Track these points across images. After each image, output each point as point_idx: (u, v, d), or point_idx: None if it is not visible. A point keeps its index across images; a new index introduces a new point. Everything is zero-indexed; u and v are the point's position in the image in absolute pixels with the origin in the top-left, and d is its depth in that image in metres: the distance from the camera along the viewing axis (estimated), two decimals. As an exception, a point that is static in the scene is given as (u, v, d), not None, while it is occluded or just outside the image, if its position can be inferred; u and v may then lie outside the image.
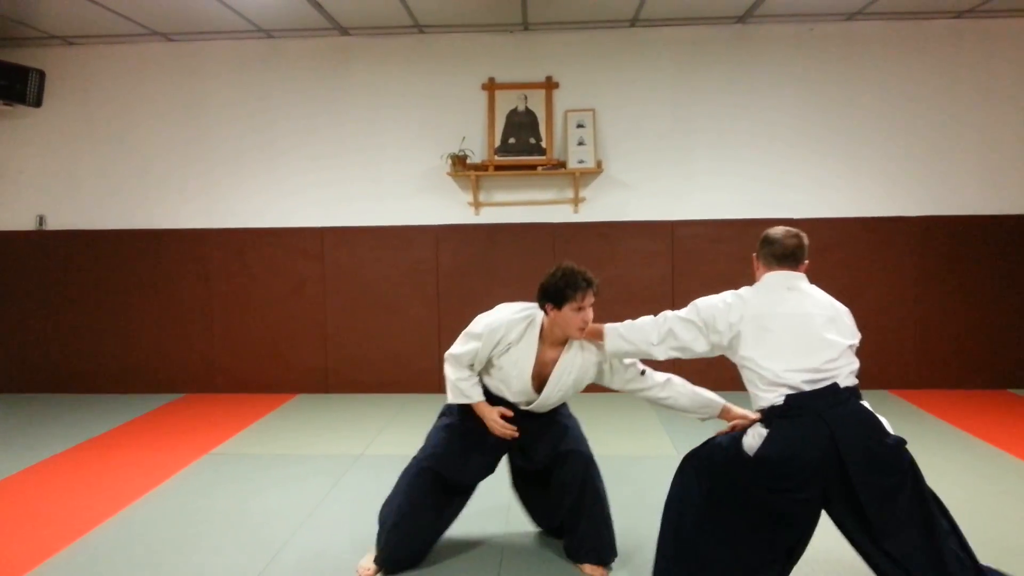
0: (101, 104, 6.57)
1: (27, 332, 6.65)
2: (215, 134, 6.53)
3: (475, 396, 3.05)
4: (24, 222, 6.64)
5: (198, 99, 6.53)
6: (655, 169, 6.35)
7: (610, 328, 2.90)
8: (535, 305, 3.03)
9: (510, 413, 3.05)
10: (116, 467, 4.58)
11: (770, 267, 2.74)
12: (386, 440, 5.12)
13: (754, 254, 2.81)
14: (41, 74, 6.36)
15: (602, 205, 6.38)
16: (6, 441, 5.23)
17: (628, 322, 2.88)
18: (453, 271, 6.43)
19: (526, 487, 3.40)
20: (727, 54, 6.29)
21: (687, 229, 6.34)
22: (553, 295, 2.92)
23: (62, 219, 6.63)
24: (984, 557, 3.13)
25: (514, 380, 3.02)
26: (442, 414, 3.26)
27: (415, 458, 3.17)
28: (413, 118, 6.42)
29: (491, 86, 6.34)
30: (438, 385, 6.34)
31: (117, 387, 6.60)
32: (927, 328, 6.28)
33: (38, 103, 6.38)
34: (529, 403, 3.08)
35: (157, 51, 6.52)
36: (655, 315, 2.82)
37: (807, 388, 2.50)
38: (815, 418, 2.46)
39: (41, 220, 6.62)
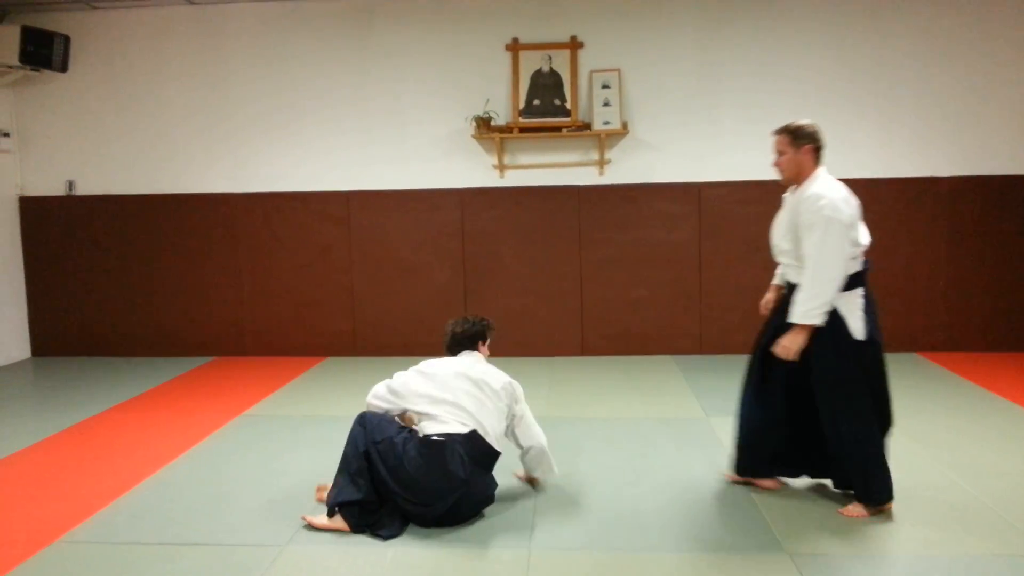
0: (125, 68, 6.58)
1: (58, 296, 6.76)
2: (239, 97, 6.52)
3: None
4: (54, 187, 6.71)
5: (221, 62, 6.52)
6: (682, 130, 6.27)
7: None
8: None
9: None
10: (150, 429, 4.67)
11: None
12: (414, 402, 5.16)
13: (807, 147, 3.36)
14: (66, 39, 6.37)
15: (628, 167, 6.32)
16: (41, 404, 5.36)
17: None
18: (478, 234, 6.43)
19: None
20: (755, 11, 6.15)
21: (714, 191, 6.27)
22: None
23: (91, 184, 6.69)
24: (1017, 519, 3.13)
25: None
26: None
27: None
28: (437, 80, 6.37)
29: (515, 47, 6.27)
30: (464, 348, 6.41)
31: (148, 350, 6.71)
32: (957, 290, 6.20)
33: (64, 68, 6.40)
34: None
35: (180, 14, 6.49)
36: None
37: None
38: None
39: (71, 185, 6.68)
